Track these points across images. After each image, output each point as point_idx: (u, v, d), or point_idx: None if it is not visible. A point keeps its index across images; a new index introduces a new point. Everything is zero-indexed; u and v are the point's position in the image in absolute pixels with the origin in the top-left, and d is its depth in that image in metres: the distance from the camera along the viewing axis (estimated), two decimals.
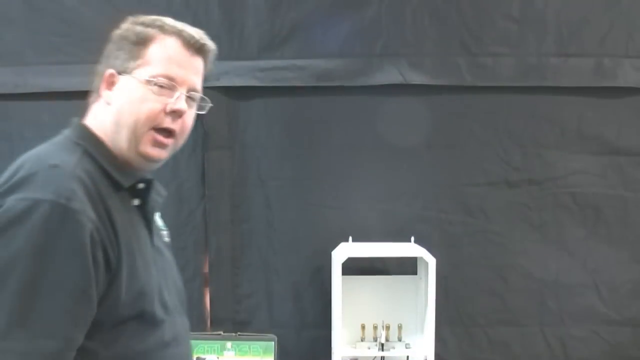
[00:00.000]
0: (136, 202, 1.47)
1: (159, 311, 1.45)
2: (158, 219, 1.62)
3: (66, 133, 1.49)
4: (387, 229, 3.16)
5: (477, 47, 3.13)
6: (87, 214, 1.28)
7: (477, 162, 3.18)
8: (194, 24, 1.47)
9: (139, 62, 1.44)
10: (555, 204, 3.20)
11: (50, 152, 1.39)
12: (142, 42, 1.45)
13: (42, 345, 1.24)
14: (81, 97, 3.05)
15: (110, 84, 1.46)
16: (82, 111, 1.56)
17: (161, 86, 1.43)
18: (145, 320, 1.41)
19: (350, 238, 3.09)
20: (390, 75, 3.11)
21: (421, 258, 2.91)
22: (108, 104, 1.46)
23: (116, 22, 1.53)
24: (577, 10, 3.14)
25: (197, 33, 1.50)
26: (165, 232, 1.65)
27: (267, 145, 3.15)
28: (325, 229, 3.15)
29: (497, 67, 3.14)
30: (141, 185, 1.48)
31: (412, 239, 3.09)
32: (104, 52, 1.52)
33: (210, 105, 1.55)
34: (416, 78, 3.11)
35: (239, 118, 3.14)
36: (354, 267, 2.98)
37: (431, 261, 2.84)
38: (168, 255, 1.61)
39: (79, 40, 3.08)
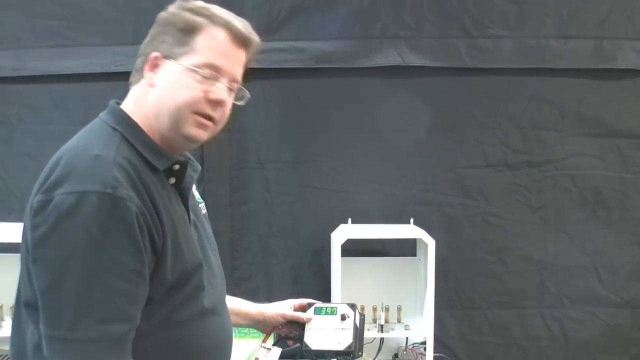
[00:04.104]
0: (172, 180, 1.51)
1: (202, 282, 1.51)
2: (195, 192, 1.67)
3: (103, 117, 1.50)
4: (386, 210, 3.17)
5: (476, 29, 3.12)
6: (134, 200, 1.33)
7: (476, 144, 3.18)
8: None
9: (185, 49, 1.45)
10: (555, 186, 3.20)
11: (89, 142, 1.41)
12: (190, 30, 1.45)
13: (109, 329, 1.30)
14: (79, 80, 3.08)
15: (155, 66, 1.47)
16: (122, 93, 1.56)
17: (205, 76, 1.44)
18: (186, 291, 1.46)
19: (350, 220, 3.10)
20: (389, 57, 3.10)
21: (420, 240, 2.91)
22: (151, 85, 1.47)
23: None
24: None
25: (245, 26, 1.50)
26: (202, 205, 1.70)
27: (266, 128, 3.15)
28: (325, 211, 3.16)
29: (496, 49, 3.13)
30: (177, 167, 1.50)
31: (412, 220, 3.09)
32: (150, 34, 1.52)
33: (249, 97, 1.56)
34: (415, 60, 3.11)
35: None
36: (353, 248, 2.98)
37: (430, 243, 2.84)
38: (204, 227, 1.65)
39: (77, 24, 3.09)
